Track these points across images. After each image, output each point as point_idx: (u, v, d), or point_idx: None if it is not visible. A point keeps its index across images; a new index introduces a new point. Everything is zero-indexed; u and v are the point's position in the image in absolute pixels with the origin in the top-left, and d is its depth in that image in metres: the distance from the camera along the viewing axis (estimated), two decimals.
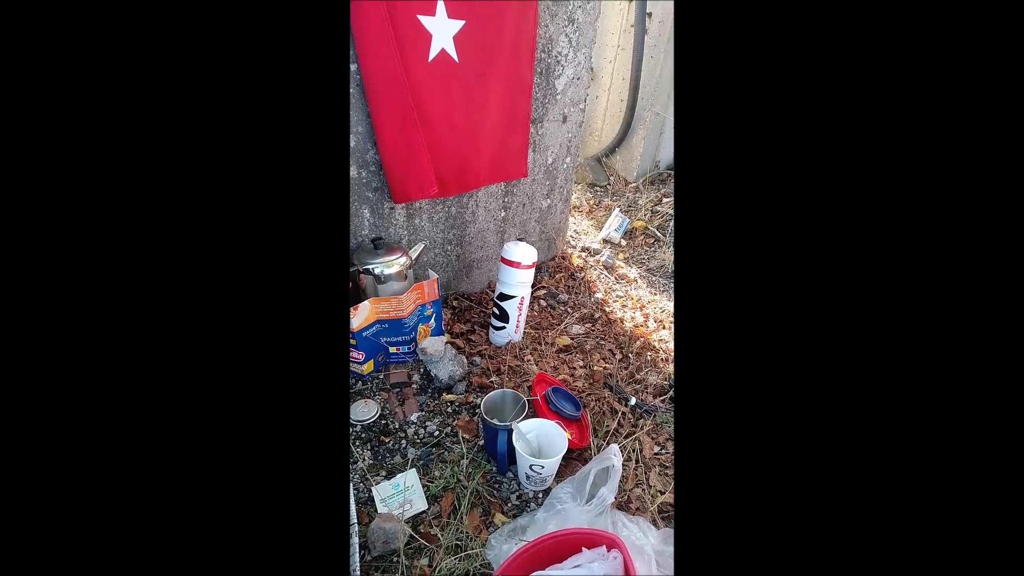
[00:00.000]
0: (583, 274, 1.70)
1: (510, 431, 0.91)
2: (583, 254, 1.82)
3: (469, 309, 1.46)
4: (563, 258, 1.76)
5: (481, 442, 1.02)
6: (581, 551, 0.71)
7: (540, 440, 0.96)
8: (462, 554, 0.80)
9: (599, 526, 0.79)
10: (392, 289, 1.15)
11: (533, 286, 1.59)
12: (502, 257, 1.24)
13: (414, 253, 1.21)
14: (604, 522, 0.79)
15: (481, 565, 0.79)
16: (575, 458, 0.98)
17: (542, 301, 1.54)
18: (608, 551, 0.70)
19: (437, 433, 1.05)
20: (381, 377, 1.20)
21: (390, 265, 1.14)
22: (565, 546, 0.73)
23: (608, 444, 0.98)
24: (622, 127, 2.12)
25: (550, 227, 1.69)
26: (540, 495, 0.92)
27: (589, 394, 1.15)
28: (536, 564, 0.72)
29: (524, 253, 1.22)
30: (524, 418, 0.95)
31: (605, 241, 1.92)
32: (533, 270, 1.25)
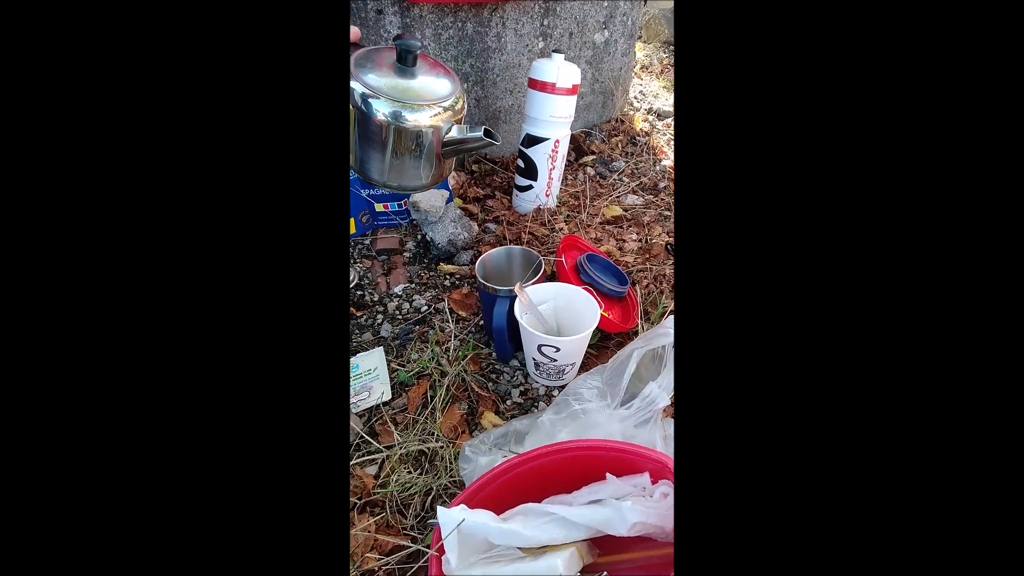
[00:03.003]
0: (647, 139, 1.30)
1: (513, 298, 0.60)
2: (650, 117, 1.40)
3: (492, 174, 1.13)
4: (622, 121, 1.36)
5: (482, 321, 0.72)
6: (604, 477, 0.41)
7: (559, 314, 0.64)
8: (426, 465, 0.53)
9: (642, 440, 0.48)
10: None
11: (579, 150, 1.23)
12: (529, 79, 0.88)
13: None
14: (649, 435, 0.48)
15: (451, 483, 0.52)
16: (615, 345, 0.67)
17: (590, 169, 1.17)
18: (653, 481, 0.39)
19: (425, 309, 0.77)
20: (367, 243, 0.92)
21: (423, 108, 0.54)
22: (578, 467, 0.43)
23: None
24: None
25: (607, 74, 1.27)
26: (557, 392, 0.62)
27: (641, 270, 0.81)
28: (526, 490, 0.43)
29: (560, 71, 0.85)
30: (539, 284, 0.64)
31: None
32: (574, 99, 0.88)
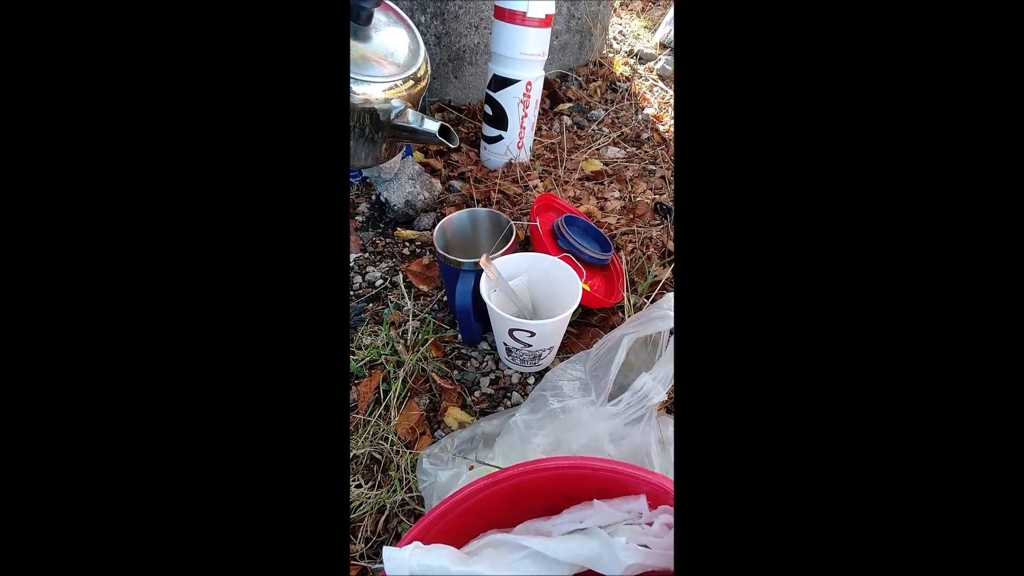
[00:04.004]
0: (629, 85, 1.18)
1: (479, 272, 0.50)
2: (631, 60, 1.28)
3: (457, 123, 1.00)
4: (601, 64, 1.23)
5: (445, 297, 0.63)
6: (592, 503, 0.33)
7: (535, 289, 0.55)
8: (378, 476, 0.45)
9: (634, 443, 0.41)
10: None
11: (554, 97, 1.10)
12: (496, 8, 0.75)
13: None
14: (643, 436, 0.41)
15: (408, 499, 0.43)
16: (596, 324, 0.58)
17: (566, 118, 1.05)
18: (651, 507, 0.32)
19: (380, 282, 0.66)
20: None
21: None
22: (559, 488, 0.35)
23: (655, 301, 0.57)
24: None
25: (584, 10, 1.13)
26: (533, 380, 0.54)
27: (625, 233, 0.72)
28: (497, 514, 0.36)
29: None
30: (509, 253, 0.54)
31: (663, 45, 1.35)
32: (547, 34, 0.76)
